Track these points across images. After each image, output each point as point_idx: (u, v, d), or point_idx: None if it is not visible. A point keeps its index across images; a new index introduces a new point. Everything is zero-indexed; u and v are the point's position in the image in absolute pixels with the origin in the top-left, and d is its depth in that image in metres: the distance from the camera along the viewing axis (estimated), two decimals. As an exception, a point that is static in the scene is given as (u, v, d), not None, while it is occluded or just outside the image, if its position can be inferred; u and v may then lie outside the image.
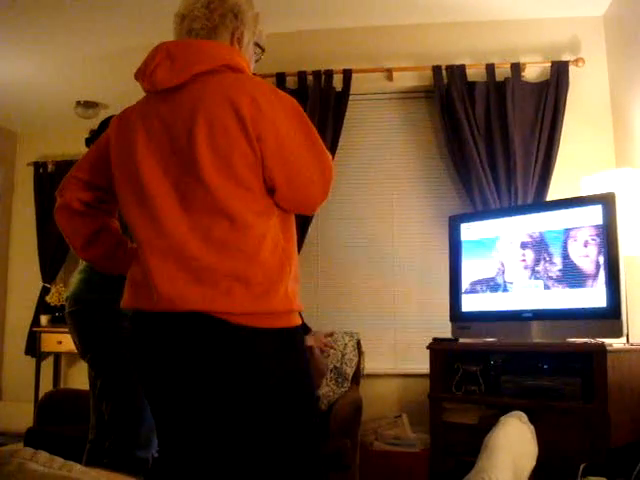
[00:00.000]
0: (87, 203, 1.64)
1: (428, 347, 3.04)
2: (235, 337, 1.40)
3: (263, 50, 1.73)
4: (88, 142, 2.51)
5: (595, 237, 2.64)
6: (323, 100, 3.81)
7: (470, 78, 3.71)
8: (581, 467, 2.16)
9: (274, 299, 1.43)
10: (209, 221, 1.42)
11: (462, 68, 3.71)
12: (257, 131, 1.42)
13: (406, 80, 3.90)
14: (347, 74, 3.83)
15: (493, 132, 3.60)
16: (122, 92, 4.86)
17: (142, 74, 1.55)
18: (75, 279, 2.40)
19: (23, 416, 4.91)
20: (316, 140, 1.51)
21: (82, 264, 2.39)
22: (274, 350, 1.44)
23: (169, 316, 1.43)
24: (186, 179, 1.44)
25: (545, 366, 2.69)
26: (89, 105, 5.10)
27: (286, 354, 1.47)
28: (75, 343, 2.37)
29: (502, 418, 1.71)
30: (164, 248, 1.44)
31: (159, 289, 1.41)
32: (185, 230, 1.43)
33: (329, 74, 3.84)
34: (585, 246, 2.67)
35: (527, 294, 2.83)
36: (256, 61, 1.72)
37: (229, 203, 1.42)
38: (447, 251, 3.19)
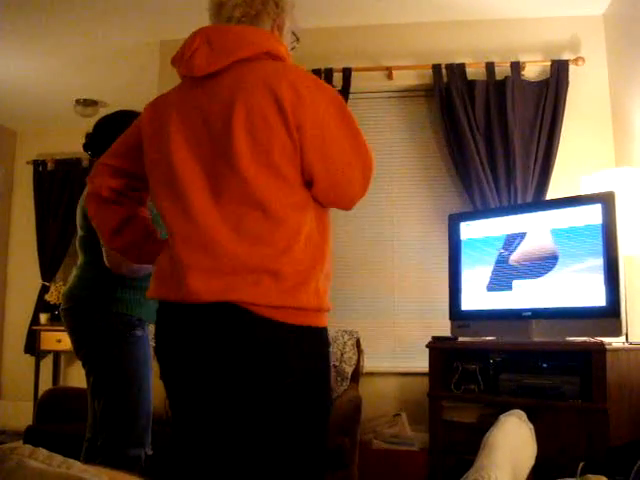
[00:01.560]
0: (116, 190, 1.61)
1: (427, 346, 3.04)
2: (259, 330, 1.37)
3: (298, 39, 1.68)
4: (86, 147, 2.50)
5: (594, 236, 2.64)
6: (323, 99, 3.81)
7: (470, 77, 3.71)
8: (580, 465, 2.16)
9: (303, 295, 1.39)
10: (242, 212, 1.39)
11: (462, 67, 3.71)
12: (297, 121, 1.38)
13: (406, 79, 3.90)
14: (347, 73, 3.83)
15: (493, 131, 3.60)
16: (121, 90, 4.90)
17: (179, 59, 1.51)
18: (71, 276, 2.40)
19: (22, 414, 4.94)
20: (357, 133, 1.46)
21: (79, 261, 2.40)
22: (297, 348, 1.40)
23: (196, 307, 1.39)
24: (220, 168, 1.40)
25: (544, 365, 2.69)
26: (88, 103, 5.11)
27: (309, 354, 1.43)
28: (70, 340, 2.38)
29: (501, 417, 1.71)
30: (194, 237, 1.40)
31: (187, 279, 1.38)
32: (216, 220, 1.39)
33: (329, 72, 3.84)
34: (584, 245, 2.67)
35: (526, 293, 2.83)
36: (291, 50, 1.65)
37: (264, 194, 1.38)
38: (446, 250, 3.20)
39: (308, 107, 1.39)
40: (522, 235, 2.90)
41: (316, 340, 1.46)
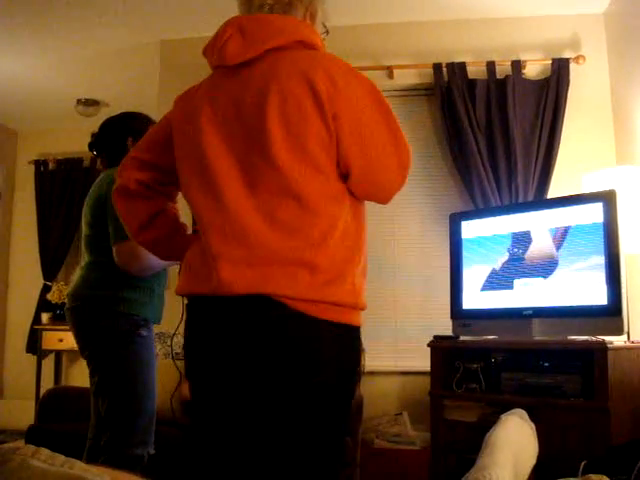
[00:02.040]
0: (145, 184, 1.57)
1: (429, 345, 3.05)
2: (292, 324, 1.33)
3: (327, 32, 1.62)
4: (91, 147, 2.51)
5: (596, 235, 2.64)
6: (324, 98, 3.80)
7: (471, 76, 3.70)
8: (582, 464, 2.16)
9: (339, 289, 1.35)
10: (276, 203, 1.35)
11: (463, 66, 3.71)
12: (333, 109, 1.34)
13: (407, 78, 3.90)
14: (348, 72, 3.82)
15: (494, 130, 3.60)
16: (122, 90, 4.90)
17: (211, 49, 1.48)
18: (76, 276, 2.40)
19: (24, 414, 4.94)
20: (394, 123, 1.43)
21: (84, 261, 2.40)
22: (330, 346, 1.36)
23: (228, 300, 1.35)
24: (254, 158, 1.37)
25: (546, 364, 2.69)
26: (90, 103, 5.11)
27: (341, 353, 1.39)
28: (75, 339, 2.38)
29: (503, 416, 1.71)
30: (226, 228, 1.37)
31: (219, 271, 1.34)
32: (250, 210, 1.36)
33: (330, 72, 3.84)
34: (586, 244, 2.67)
35: (528, 291, 2.83)
36: None
37: (299, 185, 1.34)
38: (448, 249, 3.19)
39: (345, 96, 1.36)
40: (523, 234, 2.90)
41: (349, 339, 1.42)
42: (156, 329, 2.53)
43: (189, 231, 1.70)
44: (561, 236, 2.76)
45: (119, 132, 2.42)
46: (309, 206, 1.35)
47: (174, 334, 3.02)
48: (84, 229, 2.40)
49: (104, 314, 2.26)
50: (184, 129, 1.49)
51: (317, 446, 1.38)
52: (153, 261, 2.25)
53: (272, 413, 1.37)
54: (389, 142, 1.42)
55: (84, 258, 2.40)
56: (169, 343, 3.59)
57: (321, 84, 1.34)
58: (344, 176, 1.42)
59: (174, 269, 2.51)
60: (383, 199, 1.53)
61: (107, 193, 2.27)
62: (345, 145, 1.37)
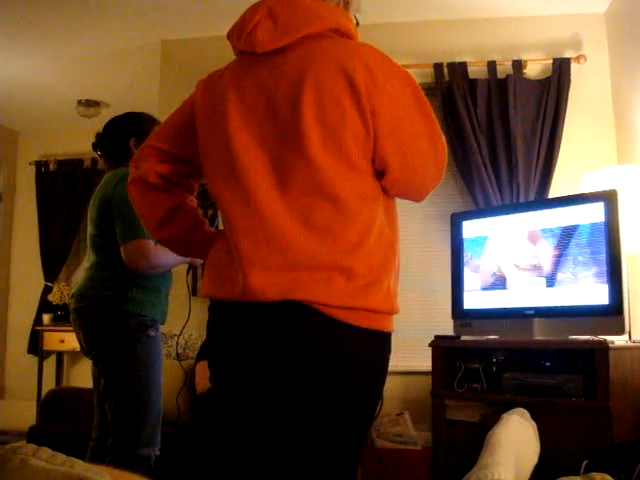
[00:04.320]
0: (165, 177, 1.47)
1: (430, 345, 3.04)
2: (327, 332, 1.27)
3: (358, 23, 1.54)
4: (95, 147, 2.51)
5: (597, 234, 2.63)
6: (324, 98, 3.80)
7: (472, 75, 3.70)
8: (583, 464, 2.16)
9: (376, 295, 1.30)
10: (310, 203, 1.28)
11: (464, 65, 3.70)
12: (372, 106, 1.27)
13: (407, 78, 3.88)
14: (348, 72, 3.82)
15: (495, 129, 3.59)
16: (123, 90, 4.91)
17: (237, 33, 1.39)
18: (81, 276, 2.40)
19: (26, 414, 4.93)
20: (432, 119, 1.36)
21: (89, 261, 2.39)
22: (364, 355, 1.32)
23: (258, 307, 1.28)
24: (286, 153, 1.29)
25: (547, 363, 2.68)
26: (90, 104, 5.11)
27: (373, 361, 1.36)
28: (79, 340, 2.37)
29: (504, 415, 1.71)
30: (257, 230, 1.29)
31: (249, 277, 1.26)
32: (282, 211, 1.28)
33: (330, 72, 3.83)
34: (587, 244, 2.66)
35: (529, 291, 2.83)
36: None
37: (335, 184, 1.27)
38: (449, 249, 3.19)
39: (384, 91, 1.29)
40: (524, 234, 2.89)
41: (382, 347, 1.38)
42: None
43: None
44: (562, 236, 2.76)
45: (123, 132, 2.43)
46: (344, 207, 1.29)
47: (180, 334, 3.03)
48: (90, 229, 2.39)
49: (111, 314, 2.26)
50: (208, 118, 1.40)
51: (344, 451, 1.35)
52: (161, 259, 2.25)
53: (302, 421, 1.31)
54: (427, 139, 1.36)
55: (89, 258, 2.39)
56: (170, 344, 3.59)
57: (359, 78, 1.27)
58: (379, 173, 1.36)
59: (177, 269, 2.51)
60: (419, 197, 1.48)
61: (113, 193, 2.27)
62: (383, 142, 1.31)
